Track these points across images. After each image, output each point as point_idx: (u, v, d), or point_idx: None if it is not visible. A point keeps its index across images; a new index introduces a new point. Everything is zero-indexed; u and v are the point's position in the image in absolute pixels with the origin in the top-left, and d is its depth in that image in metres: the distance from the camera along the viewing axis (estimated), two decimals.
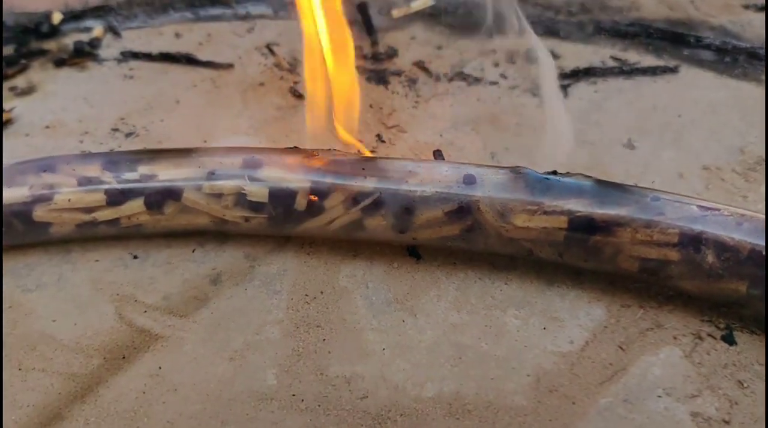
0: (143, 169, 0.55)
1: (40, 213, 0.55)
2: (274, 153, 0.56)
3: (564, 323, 0.54)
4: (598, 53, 0.79)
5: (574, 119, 0.70)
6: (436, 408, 0.49)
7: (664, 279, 0.52)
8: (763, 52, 0.78)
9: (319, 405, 0.49)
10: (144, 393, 0.50)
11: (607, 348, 0.52)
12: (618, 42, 0.81)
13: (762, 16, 0.85)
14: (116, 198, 0.55)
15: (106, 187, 0.54)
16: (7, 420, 0.48)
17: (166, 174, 0.55)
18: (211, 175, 0.54)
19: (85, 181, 0.55)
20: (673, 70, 0.76)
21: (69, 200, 0.54)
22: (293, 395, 0.49)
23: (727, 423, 0.47)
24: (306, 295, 0.55)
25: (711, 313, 0.53)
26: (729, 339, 0.52)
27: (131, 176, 0.55)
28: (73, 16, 0.84)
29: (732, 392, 0.49)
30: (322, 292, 0.56)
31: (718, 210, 0.51)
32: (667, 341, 0.52)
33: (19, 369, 0.51)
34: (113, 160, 0.55)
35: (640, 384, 0.49)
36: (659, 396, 0.49)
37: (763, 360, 0.51)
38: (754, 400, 0.48)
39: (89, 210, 0.55)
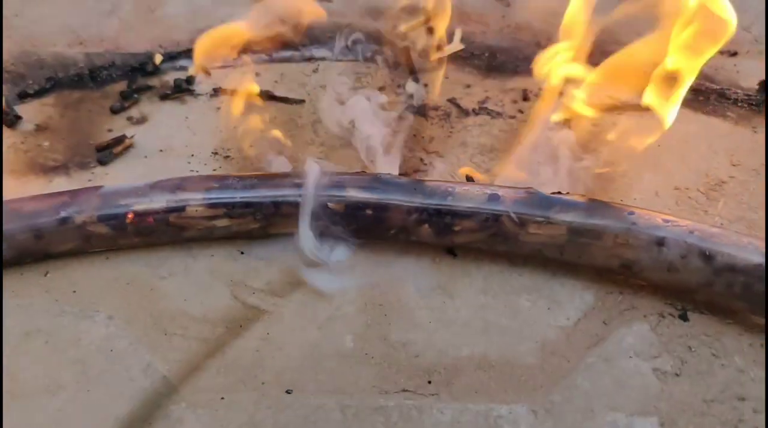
0: (252, 188, 0.74)
1: (174, 219, 0.74)
2: (348, 175, 0.75)
3: (563, 305, 0.72)
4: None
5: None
6: (469, 364, 0.67)
7: (636, 273, 0.70)
8: (729, 92, 0.96)
9: (384, 361, 0.67)
10: (257, 351, 0.68)
11: (594, 323, 0.70)
12: None
13: (733, 60, 1.02)
14: (231, 210, 0.73)
15: (224, 201, 0.73)
16: (162, 370, 0.67)
17: (268, 192, 0.74)
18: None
19: (208, 197, 0.73)
20: None
21: (196, 210, 0.73)
22: (365, 353, 0.68)
23: (677, 375, 0.65)
24: (371, 282, 0.74)
25: (672, 298, 0.71)
26: (684, 317, 0.70)
27: (242, 194, 0.74)
28: (170, 57, 1.03)
29: (683, 354, 0.67)
30: (383, 280, 0.73)
31: (676, 221, 0.69)
32: (639, 318, 0.70)
33: (165, 335, 0.70)
34: (228, 182, 0.74)
35: (617, 348, 0.67)
36: (630, 357, 0.67)
37: (710, 333, 0.69)
38: (699, 360, 0.66)
39: (210, 218, 0.74)
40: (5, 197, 0.76)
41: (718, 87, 0.97)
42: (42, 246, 0.73)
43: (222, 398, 0.64)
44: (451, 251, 0.76)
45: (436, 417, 0.62)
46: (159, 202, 0.72)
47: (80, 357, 0.67)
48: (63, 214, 0.72)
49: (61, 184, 0.83)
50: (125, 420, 0.62)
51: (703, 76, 0.99)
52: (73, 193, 0.73)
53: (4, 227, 0.71)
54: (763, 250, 0.66)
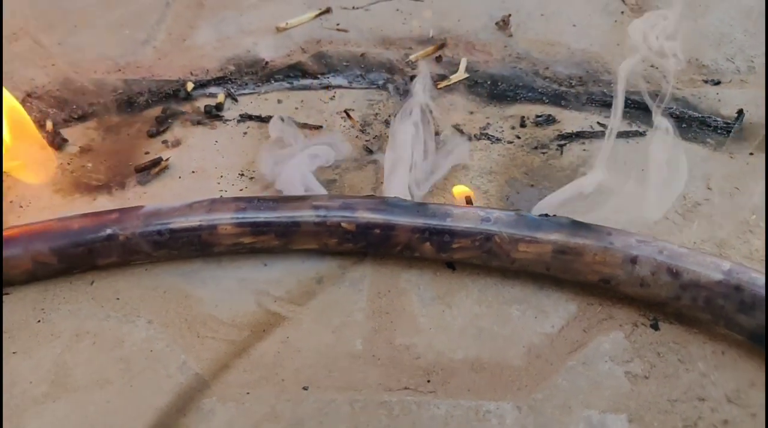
0: (274, 210, 0.84)
1: (206, 236, 0.84)
2: (359, 198, 0.84)
3: (549, 314, 0.81)
4: (588, 119, 1.05)
5: (567, 172, 0.97)
6: (464, 365, 0.76)
7: (614, 287, 0.79)
8: (710, 120, 1.05)
9: (389, 362, 0.76)
10: (278, 352, 0.78)
11: (576, 330, 0.79)
12: (604, 110, 1.07)
13: (716, 89, 1.11)
14: (256, 229, 0.83)
15: (250, 221, 0.83)
16: (195, 368, 0.77)
17: (288, 213, 0.83)
18: (320, 214, 0.83)
19: (236, 217, 0.83)
20: (642, 134, 1.03)
21: (225, 229, 0.83)
22: (373, 355, 0.77)
23: (647, 377, 0.74)
24: (379, 292, 0.83)
25: (645, 310, 0.79)
26: (655, 327, 0.79)
27: (265, 215, 0.83)
28: (200, 85, 1.13)
29: (653, 359, 0.75)
30: (389, 291, 0.83)
31: (649, 242, 0.78)
32: (615, 327, 0.79)
33: (198, 337, 0.80)
34: (253, 204, 0.84)
35: (595, 353, 0.76)
36: (606, 361, 0.76)
37: (678, 341, 0.78)
38: (666, 365, 0.75)
39: (237, 235, 0.84)
40: (55, 214, 0.87)
41: (699, 115, 1.05)
42: (89, 259, 0.83)
43: (247, 393, 0.73)
44: (451, 265, 0.85)
45: (433, 411, 0.71)
46: (193, 221, 0.82)
47: (124, 356, 0.77)
48: (108, 231, 0.82)
49: (104, 202, 0.94)
50: (164, 411, 0.72)
51: (686, 104, 1.08)
52: (118, 212, 0.83)
53: (57, 242, 0.81)
54: (725, 268, 0.75)
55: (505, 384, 0.74)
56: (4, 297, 0.83)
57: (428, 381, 0.74)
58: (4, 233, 0.81)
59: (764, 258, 0.84)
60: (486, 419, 0.71)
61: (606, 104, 1.08)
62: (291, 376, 0.75)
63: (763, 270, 0.76)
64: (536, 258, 0.80)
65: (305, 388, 0.74)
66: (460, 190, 0.91)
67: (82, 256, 0.82)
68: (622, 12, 1.26)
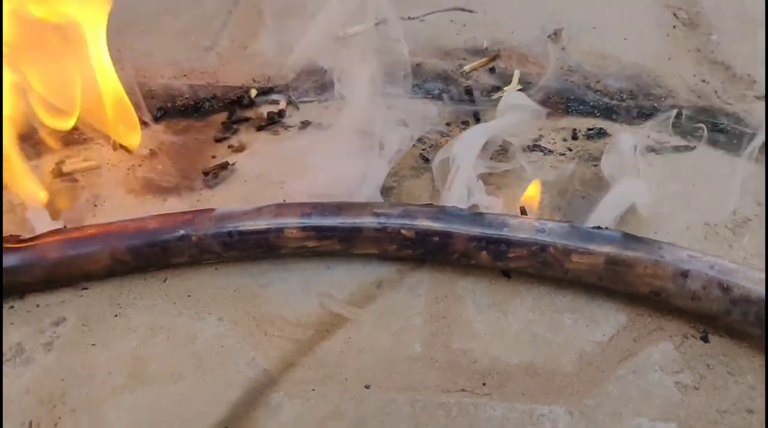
0: (337, 215, 0.88)
1: (273, 239, 0.88)
2: (419, 207, 0.88)
3: (600, 324, 0.84)
4: (639, 133, 1.09)
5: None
6: (518, 370, 0.80)
7: (664, 299, 0.82)
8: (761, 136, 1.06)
9: (447, 365, 0.80)
10: (341, 352, 0.82)
11: (626, 340, 0.82)
12: (655, 124, 1.10)
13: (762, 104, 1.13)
14: (320, 233, 0.87)
15: (315, 225, 0.87)
16: (264, 364, 0.81)
17: (350, 219, 0.88)
18: (381, 220, 0.87)
19: (302, 222, 0.88)
20: (692, 149, 1.05)
21: (291, 233, 0.88)
22: (431, 358, 0.81)
23: (696, 388, 0.77)
24: (436, 298, 0.87)
25: (695, 322, 0.82)
26: (705, 339, 0.82)
27: (329, 220, 0.87)
28: (263, 92, 1.18)
29: (702, 371, 0.78)
30: (446, 296, 0.87)
31: (700, 256, 0.81)
32: (665, 338, 0.82)
33: (265, 335, 0.84)
34: (320, 209, 0.88)
35: (645, 363, 0.79)
36: (656, 371, 0.79)
37: (727, 354, 0.81)
38: (715, 377, 0.77)
39: (302, 239, 0.88)
40: (128, 213, 0.92)
41: (750, 131, 1.07)
42: (163, 258, 0.88)
43: (313, 389, 0.78)
44: (506, 274, 0.89)
45: (489, 413, 0.75)
46: (262, 224, 0.87)
47: (196, 351, 0.81)
48: (182, 231, 0.86)
49: (174, 203, 0.99)
50: (235, 405, 0.77)
51: (736, 118, 1.10)
52: (191, 214, 0.88)
53: (134, 241, 0.86)
54: None
55: (557, 389, 0.77)
56: (83, 291, 0.88)
57: (484, 385, 0.78)
58: (85, 231, 0.87)
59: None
60: (540, 422, 0.74)
61: (657, 118, 1.10)
62: (353, 375, 0.79)
63: None
64: (589, 268, 0.83)
65: (367, 387, 0.78)
66: (531, 193, 0.94)
67: (157, 255, 0.87)
68: (674, 26, 1.29)
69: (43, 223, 0.90)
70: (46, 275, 0.86)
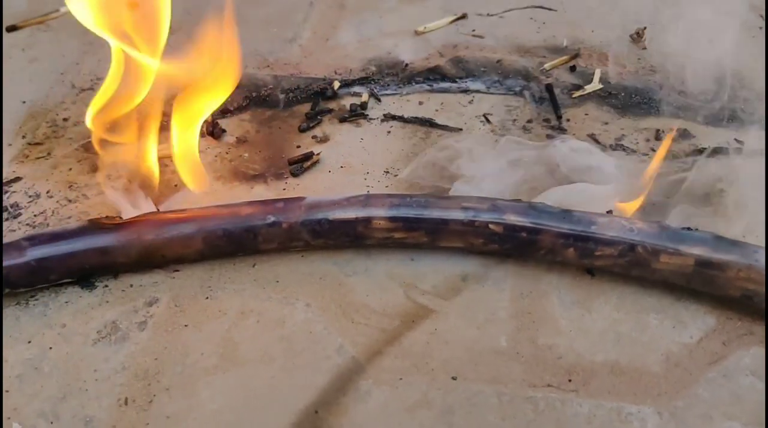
0: (425, 207, 0.89)
1: (360, 229, 0.90)
2: (507, 201, 0.89)
3: (687, 325, 0.84)
4: (725, 135, 1.08)
5: (703, 187, 0.99)
6: (603, 368, 0.80)
7: (756, 303, 0.82)
8: None
9: (532, 360, 0.81)
10: (428, 343, 0.83)
11: (715, 343, 0.82)
12: (740, 127, 1.09)
13: None
14: (408, 224, 0.89)
15: (403, 217, 0.89)
16: (352, 351, 0.82)
17: (439, 212, 0.89)
18: (469, 214, 0.88)
19: (389, 213, 0.89)
20: None
21: (379, 223, 0.89)
22: (517, 352, 0.82)
23: None
24: (521, 293, 0.88)
25: None
26: None
27: (417, 212, 0.89)
28: (346, 84, 1.20)
29: None
30: (531, 292, 0.88)
31: None
32: (756, 343, 0.81)
33: (352, 323, 0.86)
34: (407, 201, 0.89)
35: (735, 367, 0.79)
36: (746, 375, 0.78)
37: None
38: None
39: (390, 230, 0.89)
40: (216, 199, 0.94)
41: None
42: (253, 243, 0.90)
43: (400, 378, 0.79)
44: (590, 271, 0.89)
45: (576, 410, 0.76)
46: (350, 213, 0.88)
47: (285, 335, 0.83)
48: (273, 218, 0.88)
49: (260, 190, 1.01)
50: (324, 390, 0.78)
51: None
52: (282, 202, 0.90)
53: (227, 226, 0.88)
54: None
55: (644, 389, 0.77)
56: (174, 273, 0.90)
57: (570, 381, 0.78)
58: (180, 214, 0.89)
59: None
60: (628, 421, 0.74)
61: (742, 120, 1.09)
62: (440, 366, 0.80)
63: None
64: (677, 270, 0.83)
65: (454, 378, 0.79)
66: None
67: (248, 240, 0.89)
68: (760, 27, 1.27)
69: (138, 206, 0.93)
70: (140, 256, 0.88)
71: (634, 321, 0.84)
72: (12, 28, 1.34)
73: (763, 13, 1.29)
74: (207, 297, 0.88)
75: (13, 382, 0.79)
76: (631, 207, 0.91)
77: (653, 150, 1.05)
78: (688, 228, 0.84)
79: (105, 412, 0.76)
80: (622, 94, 1.16)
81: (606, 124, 1.10)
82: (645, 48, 1.24)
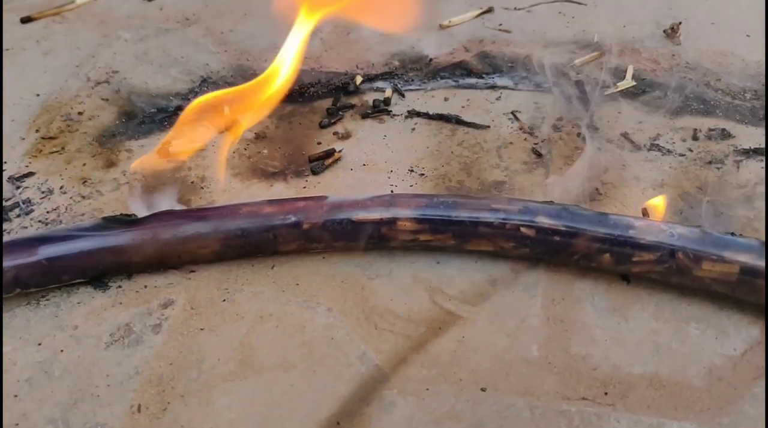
0: (453, 208, 0.85)
1: (385, 231, 0.86)
2: (539, 204, 0.85)
3: (730, 336, 0.79)
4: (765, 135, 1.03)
5: (745, 189, 0.95)
6: (642, 381, 0.75)
7: None
8: None
9: (565, 371, 0.77)
10: (455, 351, 0.79)
11: (761, 356, 0.77)
12: None
13: None
14: (434, 227, 0.85)
15: (429, 219, 0.85)
16: (375, 359, 0.79)
17: (467, 214, 0.85)
18: (499, 216, 0.83)
19: (416, 214, 0.85)
20: None
21: (405, 225, 0.85)
22: (549, 362, 0.78)
23: None
24: (553, 300, 0.84)
25: None
26: None
27: (446, 214, 0.84)
28: (368, 79, 1.16)
29: None
30: (563, 298, 0.84)
31: None
32: None
33: (376, 328, 0.82)
34: (434, 202, 0.85)
35: None
36: None
37: None
38: None
39: (416, 232, 0.85)
40: (234, 197, 0.91)
41: None
42: (273, 244, 0.86)
43: (427, 389, 0.75)
44: (625, 278, 0.85)
45: (613, 425, 0.71)
46: (374, 214, 0.84)
47: (306, 341, 0.80)
48: (293, 218, 0.85)
49: (279, 188, 0.97)
50: (347, 399, 0.74)
51: None
52: (303, 201, 0.86)
53: (246, 225, 0.84)
54: None
55: (686, 404, 0.73)
56: (190, 274, 0.87)
57: (606, 394, 0.74)
58: (197, 213, 0.85)
59: None
60: None
61: None
62: (468, 376, 0.76)
63: None
64: (721, 277, 0.79)
65: (483, 389, 0.75)
66: (657, 204, 0.89)
67: (267, 241, 0.85)
68: None
69: (157, 204, 0.90)
70: (155, 256, 0.85)
71: (673, 331, 0.80)
72: (27, 20, 1.31)
73: None
74: (224, 300, 0.84)
75: (23, 386, 0.76)
76: (661, 204, 0.87)
77: (690, 150, 1.01)
78: (732, 234, 0.80)
79: (117, 420, 0.73)
80: (657, 92, 1.11)
81: (640, 122, 1.06)
82: (680, 44, 1.19)
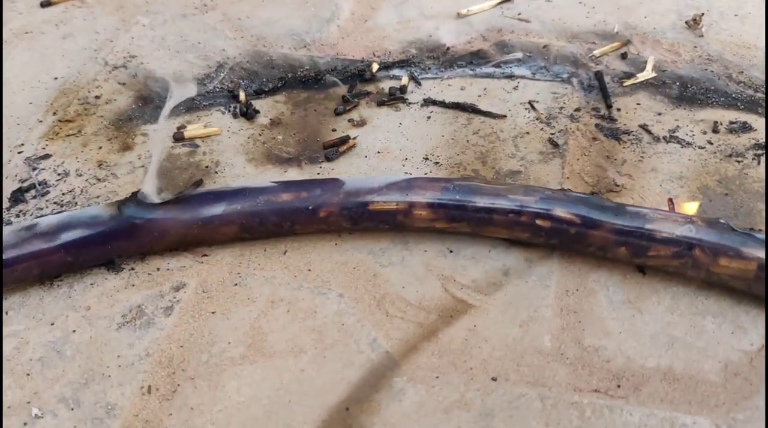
0: (470, 196, 0.84)
1: (400, 218, 0.85)
2: (556, 194, 0.84)
3: (747, 331, 0.78)
4: None
5: (763, 184, 0.93)
6: (655, 374, 0.74)
7: None
8: None
9: (578, 362, 0.76)
10: (466, 340, 0.78)
11: None
12: None
13: None
14: (451, 214, 0.84)
15: (446, 205, 0.84)
16: (386, 346, 0.78)
17: (483, 200, 0.84)
18: (516, 205, 0.83)
19: (432, 201, 0.84)
20: None
21: (421, 214, 0.84)
22: (561, 353, 0.77)
23: None
24: (567, 290, 0.83)
25: None
26: None
27: (463, 202, 0.84)
28: (385, 67, 1.15)
29: None
30: (577, 289, 0.83)
31: None
32: None
33: (387, 315, 0.81)
34: (452, 190, 0.84)
35: None
36: None
37: None
38: None
39: (432, 219, 0.85)
40: (249, 183, 0.90)
41: None
42: (289, 228, 0.86)
43: (437, 377, 0.74)
44: (641, 269, 0.84)
45: (626, 418, 0.71)
46: (392, 201, 0.84)
47: (317, 326, 0.79)
48: (310, 203, 0.84)
49: (294, 174, 0.97)
50: (356, 385, 0.74)
51: None
52: (320, 186, 0.85)
53: (262, 209, 0.84)
54: None
55: (700, 398, 0.72)
56: (203, 258, 0.87)
57: (618, 386, 0.73)
58: (212, 197, 0.85)
59: None
60: None
61: None
62: (479, 365, 0.75)
63: None
64: (738, 274, 0.77)
65: (494, 379, 0.74)
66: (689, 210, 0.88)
67: (283, 225, 0.85)
68: None
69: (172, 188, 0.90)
70: (169, 239, 0.85)
71: (689, 325, 0.78)
72: (47, 4, 1.31)
73: None
74: (236, 284, 0.84)
75: (35, 365, 0.76)
76: (692, 206, 0.85)
77: (710, 143, 0.99)
78: (751, 229, 0.78)
79: (127, 400, 0.73)
80: (677, 84, 1.09)
81: (659, 114, 1.05)
82: (702, 35, 1.17)
